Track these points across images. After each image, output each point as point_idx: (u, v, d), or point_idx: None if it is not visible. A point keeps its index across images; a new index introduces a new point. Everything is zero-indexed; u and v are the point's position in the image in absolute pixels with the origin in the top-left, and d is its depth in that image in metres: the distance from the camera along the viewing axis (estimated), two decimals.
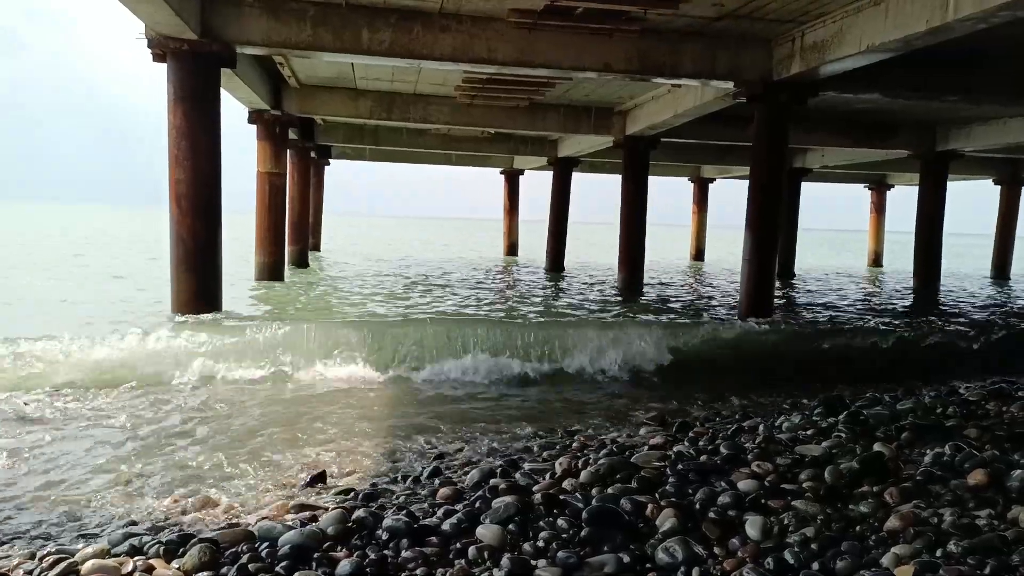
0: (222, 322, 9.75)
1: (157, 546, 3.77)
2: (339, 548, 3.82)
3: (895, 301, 17.49)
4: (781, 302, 17.64)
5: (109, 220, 69.86)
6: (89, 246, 31.62)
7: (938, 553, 3.67)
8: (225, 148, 10.93)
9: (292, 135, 20.47)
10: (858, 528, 4.04)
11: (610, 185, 31.64)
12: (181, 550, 3.73)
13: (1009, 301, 20.30)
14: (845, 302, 17.60)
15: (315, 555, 3.70)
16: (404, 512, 4.24)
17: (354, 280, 20.02)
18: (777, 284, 15.80)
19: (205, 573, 3.54)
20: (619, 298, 17.63)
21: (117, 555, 3.72)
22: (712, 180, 35.46)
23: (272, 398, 7.61)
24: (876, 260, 35.91)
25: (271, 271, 17.52)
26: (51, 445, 5.66)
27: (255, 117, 17.41)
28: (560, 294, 18.40)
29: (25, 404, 6.81)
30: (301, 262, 22.34)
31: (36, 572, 3.56)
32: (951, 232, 23.44)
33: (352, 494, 4.69)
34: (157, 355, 8.25)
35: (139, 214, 75.83)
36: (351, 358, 8.81)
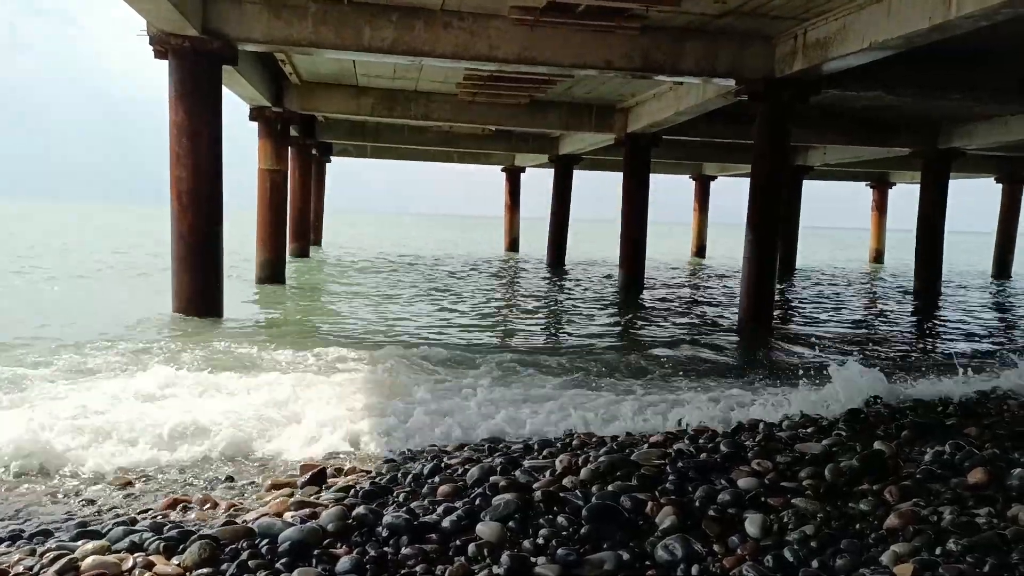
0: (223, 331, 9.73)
1: (157, 543, 3.77)
2: (339, 545, 3.83)
3: (895, 318, 17.40)
4: (780, 298, 17.65)
5: (112, 219, 69.92)
6: (90, 244, 31.63)
7: (937, 551, 3.66)
8: (226, 145, 10.94)
9: (293, 132, 20.48)
10: (858, 526, 4.04)
11: (611, 183, 31.72)
12: (181, 547, 3.73)
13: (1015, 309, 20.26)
14: (844, 315, 17.51)
15: (315, 552, 3.70)
16: (404, 509, 4.24)
17: (358, 279, 20.03)
18: (778, 280, 15.83)
19: (205, 569, 3.54)
20: (619, 298, 17.64)
21: (117, 551, 3.73)
22: (713, 178, 35.48)
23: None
24: (877, 258, 35.94)
25: (272, 268, 17.54)
26: (52, 441, 5.64)
27: (256, 114, 17.42)
28: (562, 297, 18.39)
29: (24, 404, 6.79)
30: (302, 259, 22.42)
31: (36, 568, 3.56)
32: (952, 230, 23.44)
33: (352, 491, 4.69)
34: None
35: (143, 213, 75.74)
36: None
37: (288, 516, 4.22)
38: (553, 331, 12.41)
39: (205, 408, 6.27)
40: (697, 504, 4.29)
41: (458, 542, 3.83)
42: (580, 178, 28.32)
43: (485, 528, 3.94)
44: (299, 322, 11.75)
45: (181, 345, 8.89)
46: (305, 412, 6.31)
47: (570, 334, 11.96)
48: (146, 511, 4.51)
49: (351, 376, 7.72)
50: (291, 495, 4.71)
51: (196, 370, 7.66)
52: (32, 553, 3.74)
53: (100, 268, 20.40)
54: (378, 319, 12.30)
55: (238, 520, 4.24)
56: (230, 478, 5.15)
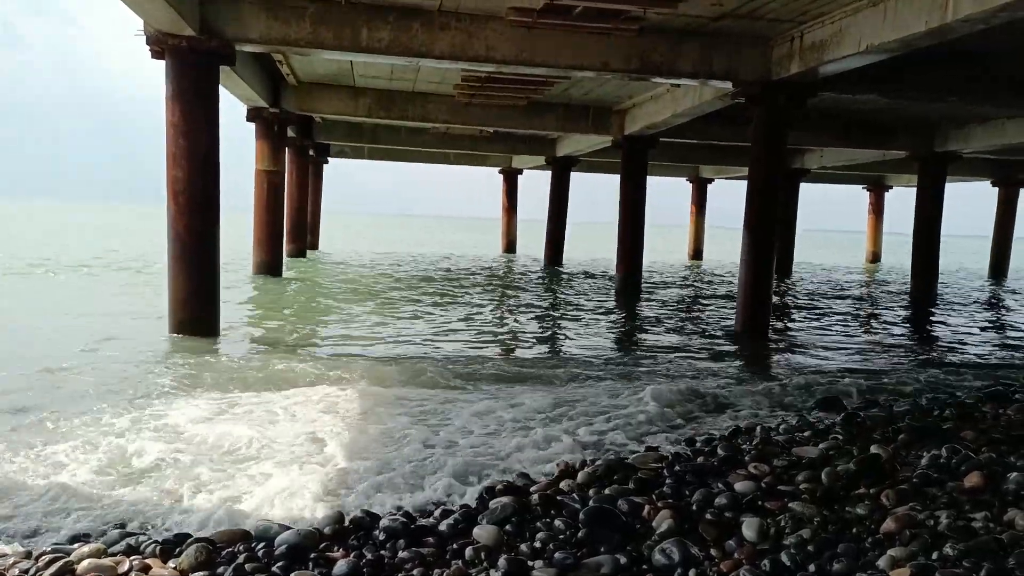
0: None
1: (153, 545, 3.77)
2: (336, 548, 3.82)
3: (890, 321, 17.40)
4: (777, 301, 17.66)
5: (112, 219, 69.71)
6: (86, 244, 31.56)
7: (934, 556, 3.67)
8: (223, 146, 10.90)
9: (291, 133, 20.45)
10: (854, 530, 4.04)
11: (608, 185, 31.73)
12: (177, 549, 3.73)
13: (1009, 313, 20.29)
14: (839, 317, 17.52)
15: (312, 555, 3.69)
16: (401, 512, 4.23)
17: (354, 281, 19.98)
18: (774, 278, 15.83)
19: (201, 573, 3.53)
20: (616, 302, 17.62)
21: (113, 554, 3.71)
22: (711, 180, 35.51)
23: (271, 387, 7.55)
24: (874, 260, 36.08)
25: (269, 268, 17.51)
26: (46, 445, 5.63)
27: (253, 115, 17.40)
28: (558, 302, 18.35)
29: (23, 399, 6.77)
30: (299, 259, 22.45)
31: (32, 571, 3.55)
32: (949, 234, 23.52)
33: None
34: None
35: (142, 212, 75.13)
36: None
37: (285, 519, 4.21)
38: (548, 340, 12.22)
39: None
40: (694, 508, 4.29)
41: (455, 545, 3.83)
42: (578, 180, 28.37)
43: (482, 531, 3.94)
44: (296, 338, 11.21)
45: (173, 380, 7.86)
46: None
47: (566, 343, 11.75)
48: (143, 512, 4.49)
49: (348, 410, 6.88)
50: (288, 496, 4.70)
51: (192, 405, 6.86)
52: (28, 556, 3.73)
53: (97, 268, 20.30)
54: (376, 330, 11.96)
55: (235, 522, 4.23)
56: (229, 476, 5.12)
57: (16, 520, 4.31)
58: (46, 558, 3.62)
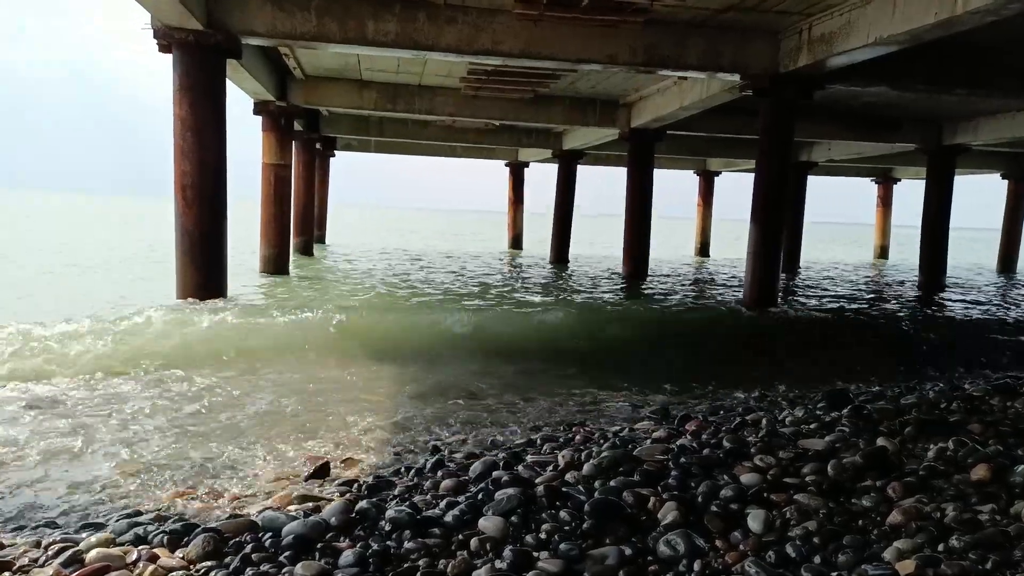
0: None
1: (161, 535, 3.79)
2: (342, 539, 3.84)
3: (899, 317, 17.30)
4: (784, 294, 17.60)
5: (111, 209, 69.95)
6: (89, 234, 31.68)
7: (940, 548, 3.66)
8: (230, 138, 10.93)
9: (297, 126, 20.48)
10: (860, 522, 4.03)
11: (615, 178, 31.61)
12: (185, 539, 3.75)
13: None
14: (846, 313, 17.45)
15: (318, 545, 3.71)
16: (407, 503, 4.25)
17: (364, 274, 20.00)
18: (782, 276, 15.76)
19: (209, 562, 3.55)
20: (621, 299, 17.57)
21: (122, 544, 3.74)
22: (718, 173, 35.35)
23: (280, 386, 7.60)
24: (882, 253, 35.88)
25: (276, 263, 17.54)
26: (59, 433, 5.67)
27: (260, 108, 17.42)
28: (565, 294, 18.31)
29: (34, 392, 6.82)
30: (306, 254, 22.47)
31: (41, 560, 3.58)
32: (957, 226, 23.42)
33: (355, 485, 4.70)
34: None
35: (152, 205, 75.37)
36: None
37: (291, 509, 4.23)
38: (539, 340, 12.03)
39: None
40: (699, 500, 4.29)
41: (461, 536, 3.84)
42: (584, 173, 28.23)
43: (488, 523, 3.95)
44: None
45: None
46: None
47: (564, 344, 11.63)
48: (151, 502, 4.52)
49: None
50: (295, 488, 4.73)
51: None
52: (37, 545, 3.76)
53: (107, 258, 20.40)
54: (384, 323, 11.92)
55: (242, 513, 4.25)
56: (235, 468, 5.16)
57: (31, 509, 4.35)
58: (55, 547, 3.65)
